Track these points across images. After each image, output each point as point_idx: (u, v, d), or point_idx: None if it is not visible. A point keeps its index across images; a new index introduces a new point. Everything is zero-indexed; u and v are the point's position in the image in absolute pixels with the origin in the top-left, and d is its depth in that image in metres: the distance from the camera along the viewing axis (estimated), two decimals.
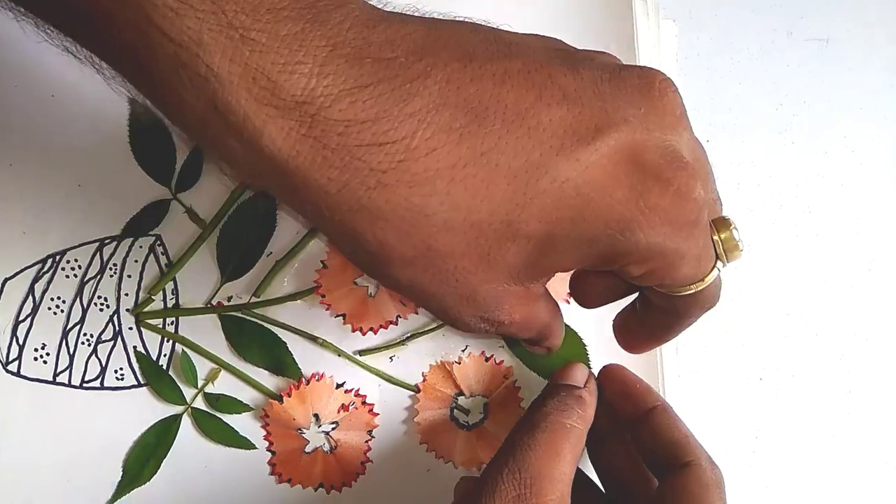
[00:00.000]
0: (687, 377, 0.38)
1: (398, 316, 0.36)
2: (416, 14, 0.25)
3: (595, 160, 0.23)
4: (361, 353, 0.36)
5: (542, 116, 0.23)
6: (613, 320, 0.33)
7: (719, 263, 0.26)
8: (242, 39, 0.20)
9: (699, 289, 0.26)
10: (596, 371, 0.36)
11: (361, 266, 0.25)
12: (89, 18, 0.21)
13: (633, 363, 0.36)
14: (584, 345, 0.36)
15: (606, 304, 0.31)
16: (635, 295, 0.31)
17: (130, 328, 0.36)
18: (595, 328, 0.36)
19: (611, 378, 0.33)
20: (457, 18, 0.26)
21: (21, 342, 0.36)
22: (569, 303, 0.36)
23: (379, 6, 0.24)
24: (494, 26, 0.26)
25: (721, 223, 0.26)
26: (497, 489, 0.27)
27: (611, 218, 0.23)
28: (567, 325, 0.36)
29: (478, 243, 0.23)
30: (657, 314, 0.29)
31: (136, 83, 0.22)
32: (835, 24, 0.40)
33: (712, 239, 0.26)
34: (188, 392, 0.36)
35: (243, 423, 0.36)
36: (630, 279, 0.26)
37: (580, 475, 0.34)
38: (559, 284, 0.36)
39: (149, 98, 0.22)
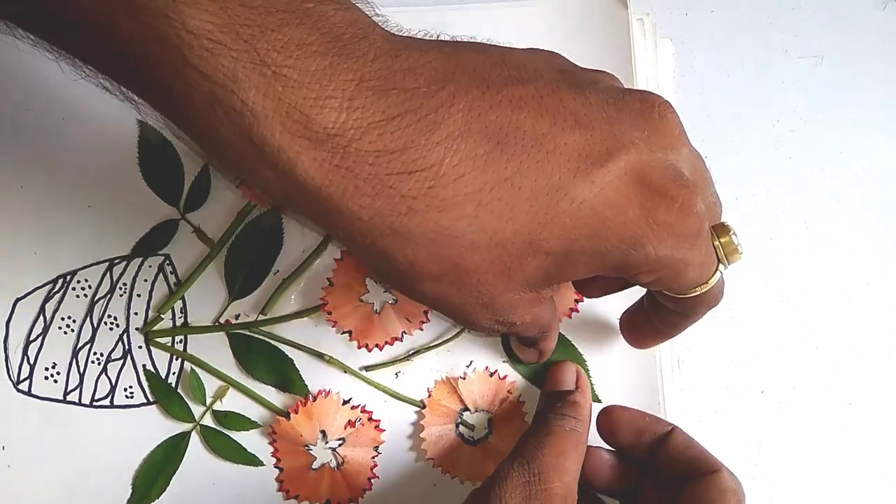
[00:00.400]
0: (689, 391, 0.38)
1: (403, 332, 0.37)
2: (428, 37, 0.26)
3: (608, 181, 0.24)
4: (367, 369, 0.37)
5: (557, 141, 0.24)
6: (620, 318, 0.35)
7: (720, 266, 0.28)
8: (275, 76, 0.21)
9: (704, 290, 0.28)
10: (602, 384, 0.37)
11: (390, 283, 0.26)
12: (127, 58, 0.21)
13: (635, 377, 0.36)
14: (584, 360, 0.37)
15: (608, 294, 0.33)
16: (636, 291, 0.33)
17: (140, 347, 0.37)
18: (595, 343, 0.37)
19: (617, 420, 0.34)
20: (461, 39, 0.27)
21: (32, 361, 0.36)
22: (570, 318, 0.37)
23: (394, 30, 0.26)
24: (498, 45, 0.27)
25: (721, 229, 0.28)
26: (508, 476, 0.30)
27: (624, 234, 0.25)
28: (567, 340, 0.37)
29: (501, 260, 0.25)
30: (665, 313, 0.31)
31: (174, 119, 0.23)
32: (828, 42, 0.41)
33: (713, 244, 0.28)
34: (197, 409, 0.36)
35: (251, 440, 0.36)
36: (640, 285, 0.28)
37: (591, 496, 0.34)
38: (564, 298, 0.37)
39: (185, 132, 0.23)
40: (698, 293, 0.28)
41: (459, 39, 0.27)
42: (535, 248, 0.24)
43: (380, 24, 0.25)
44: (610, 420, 0.34)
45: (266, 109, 0.21)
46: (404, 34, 0.25)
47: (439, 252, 0.24)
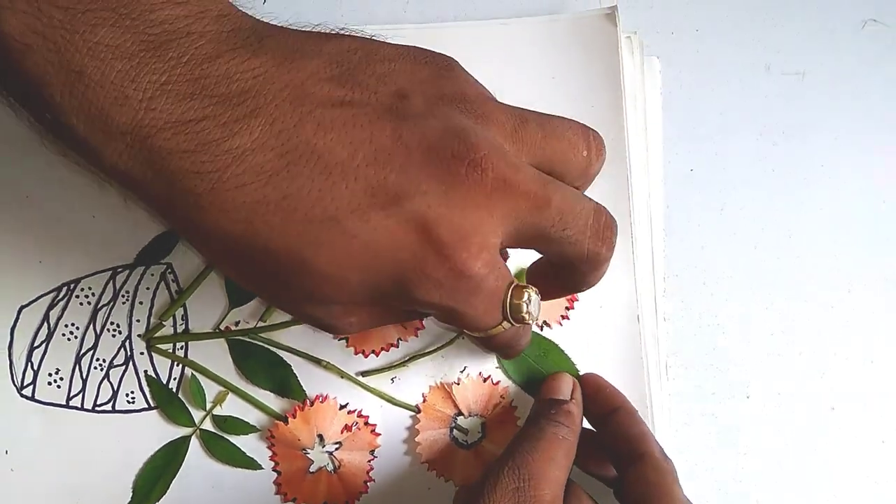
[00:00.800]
0: (676, 396, 0.39)
1: (399, 339, 0.38)
2: (303, 28, 0.27)
3: (384, 225, 0.25)
4: (364, 374, 0.38)
5: (348, 174, 0.25)
6: None
7: (505, 324, 0.28)
8: (79, 76, 0.23)
9: (486, 336, 0.29)
10: None
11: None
12: None
13: (624, 383, 0.37)
14: (575, 365, 0.38)
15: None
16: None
17: (142, 353, 0.38)
18: (585, 349, 0.38)
19: (585, 384, 0.37)
20: (343, 31, 0.28)
21: (36, 367, 0.37)
22: (561, 325, 0.38)
23: (310, 27, 0.27)
24: (379, 42, 0.27)
25: (517, 292, 0.28)
26: (498, 482, 0.30)
27: (394, 274, 0.25)
28: (557, 346, 0.38)
29: (278, 271, 0.26)
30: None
31: (17, 102, 0.25)
32: (809, 58, 0.42)
33: (504, 302, 0.28)
34: (197, 414, 0.37)
35: (250, 444, 0.37)
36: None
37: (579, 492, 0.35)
38: (551, 305, 0.38)
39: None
40: (481, 336, 0.29)
41: (344, 32, 0.28)
42: (308, 269, 0.25)
43: (246, 13, 0.26)
44: (581, 380, 0.37)
45: (71, 107, 0.23)
46: (293, 27, 0.27)
47: (226, 249, 0.26)
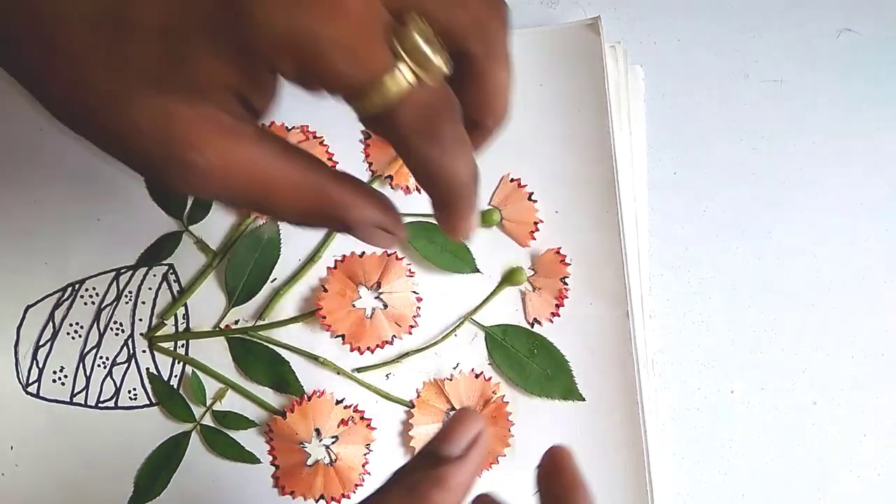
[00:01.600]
0: (663, 392, 0.40)
1: (393, 336, 0.39)
2: None
3: None
4: (359, 370, 0.39)
5: None
6: None
7: (404, 69, 0.22)
8: None
9: (384, 100, 0.22)
10: (584, 384, 0.38)
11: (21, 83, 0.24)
12: None
13: (614, 379, 0.38)
14: (567, 361, 0.39)
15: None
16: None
17: (144, 351, 0.39)
18: (576, 345, 0.39)
19: (549, 457, 0.27)
20: None
21: (41, 365, 0.38)
22: (552, 322, 0.39)
23: None
24: None
25: (401, 20, 0.22)
26: None
27: None
28: (549, 343, 0.39)
29: (99, 39, 0.21)
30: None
31: None
32: (787, 66, 0.44)
33: (385, 31, 0.21)
34: (197, 410, 0.38)
35: (249, 439, 0.38)
36: (292, 83, 0.23)
37: None
38: (542, 302, 0.39)
39: None
40: (379, 103, 0.22)
41: None
42: (131, 23, 0.21)
43: None
44: (547, 455, 0.27)
45: None
46: None
47: (33, 29, 0.21)
